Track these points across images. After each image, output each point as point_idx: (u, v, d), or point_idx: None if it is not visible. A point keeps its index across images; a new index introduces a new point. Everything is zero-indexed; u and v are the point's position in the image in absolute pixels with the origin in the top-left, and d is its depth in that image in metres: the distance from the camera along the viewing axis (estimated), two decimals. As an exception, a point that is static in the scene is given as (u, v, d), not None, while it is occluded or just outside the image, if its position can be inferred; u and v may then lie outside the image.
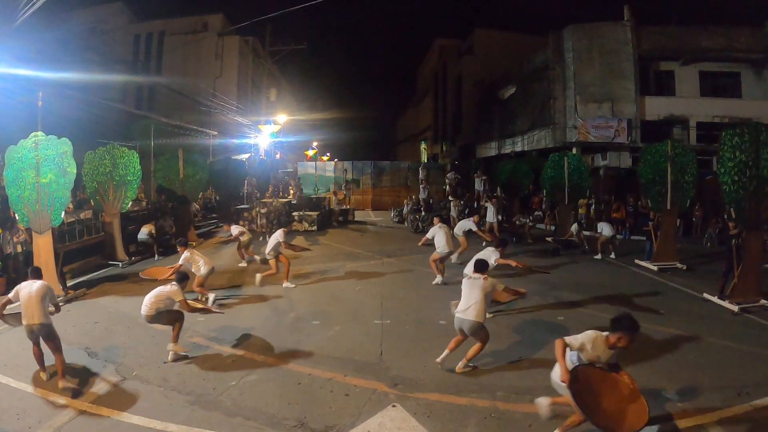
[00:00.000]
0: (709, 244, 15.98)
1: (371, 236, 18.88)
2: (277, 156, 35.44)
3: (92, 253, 12.56)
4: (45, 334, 5.73)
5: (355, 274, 11.74)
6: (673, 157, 12.49)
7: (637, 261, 13.01)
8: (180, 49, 32.93)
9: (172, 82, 30.51)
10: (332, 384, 5.79)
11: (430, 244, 11.21)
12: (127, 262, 12.50)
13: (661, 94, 24.19)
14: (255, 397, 5.44)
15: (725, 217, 13.38)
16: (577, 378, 4.21)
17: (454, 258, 12.27)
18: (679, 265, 12.27)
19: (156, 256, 13.36)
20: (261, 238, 17.14)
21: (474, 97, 36.78)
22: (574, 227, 15.06)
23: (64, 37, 22.76)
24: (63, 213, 9.51)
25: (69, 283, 10.15)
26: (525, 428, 4.83)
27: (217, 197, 23.38)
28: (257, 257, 12.70)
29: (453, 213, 18.37)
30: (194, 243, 15.83)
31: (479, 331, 5.93)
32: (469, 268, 7.22)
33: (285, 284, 10.40)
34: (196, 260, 9.16)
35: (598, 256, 13.74)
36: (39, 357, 5.80)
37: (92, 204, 12.58)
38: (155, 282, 8.36)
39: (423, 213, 20.27)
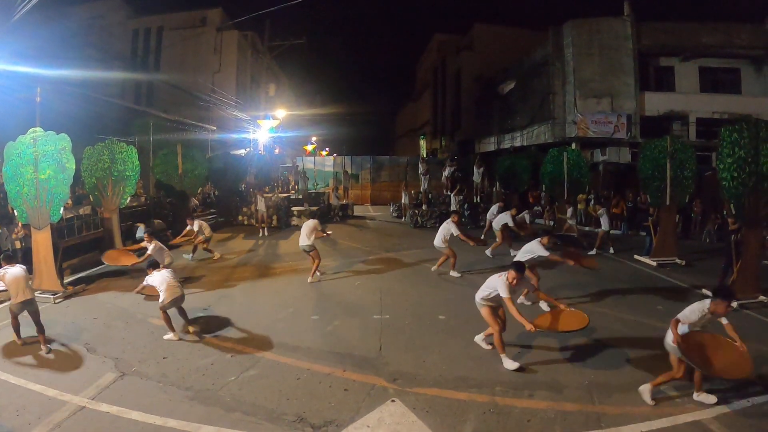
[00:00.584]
0: (708, 240, 15.99)
1: (370, 231, 18.88)
2: (276, 151, 35.40)
3: (91, 249, 12.54)
4: (33, 309, 6.72)
5: (353, 269, 11.74)
6: (672, 152, 12.48)
7: (636, 256, 13.01)
8: (178, 44, 32.83)
9: (171, 78, 30.44)
10: (331, 379, 5.80)
11: (431, 240, 11.29)
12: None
13: (661, 90, 24.20)
14: (254, 393, 5.45)
15: (724, 213, 13.40)
16: (687, 341, 5.23)
17: (488, 252, 12.85)
18: (678, 261, 12.28)
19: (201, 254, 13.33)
20: (260, 233, 17.16)
21: (473, 92, 36.73)
22: (571, 221, 15.05)
23: (62, 33, 22.69)
24: (62, 209, 9.48)
25: (68, 279, 10.15)
26: (524, 423, 4.84)
27: (216, 192, 23.36)
28: (216, 255, 12.95)
29: (453, 208, 18.34)
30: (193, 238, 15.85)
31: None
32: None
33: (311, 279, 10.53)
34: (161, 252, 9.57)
35: (593, 252, 13.67)
36: (17, 327, 6.78)
37: (91, 200, 12.56)
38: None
39: (423, 207, 20.26)
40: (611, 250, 13.81)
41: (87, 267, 11.63)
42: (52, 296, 8.99)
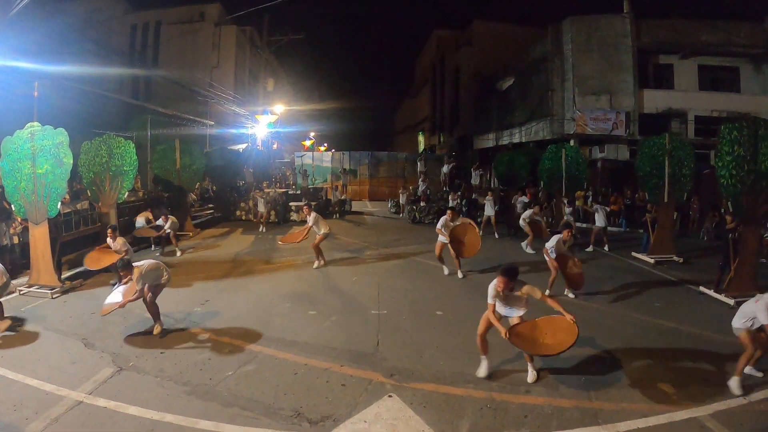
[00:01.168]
0: (705, 238, 16.02)
1: (368, 227, 18.89)
2: (274, 146, 35.35)
3: (89, 244, 12.52)
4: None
5: (351, 265, 11.75)
6: (670, 150, 12.50)
7: (633, 254, 13.03)
8: (177, 39, 32.69)
9: (169, 73, 30.33)
10: (328, 374, 5.80)
11: (429, 236, 11.30)
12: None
13: (660, 88, 24.21)
14: (251, 387, 5.46)
15: (722, 211, 13.41)
16: (513, 331, 5.46)
17: (526, 247, 13.19)
18: (675, 258, 12.30)
19: (153, 246, 13.31)
20: (260, 228, 17.15)
21: (472, 89, 36.69)
22: (569, 218, 15.07)
23: (60, 27, 22.58)
24: (59, 204, 9.47)
25: (66, 274, 10.13)
26: (520, 419, 4.85)
27: (214, 187, 23.34)
28: (179, 252, 13.08)
29: (451, 204, 18.35)
30: (191, 233, 15.86)
31: None
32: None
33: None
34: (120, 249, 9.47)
35: (590, 249, 13.71)
36: None
37: (89, 194, 12.52)
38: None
39: (421, 204, 20.29)
40: (606, 248, 13.81)
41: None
42: (49, 291, 8.99)
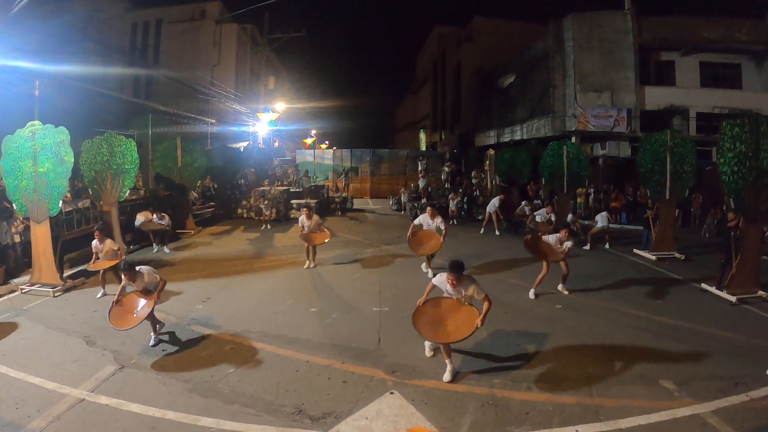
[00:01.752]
0: (707, 235, 16.00)
1: (370, 224, 18.89)
2: (276, 144, 35.35)
3: (90, 243, 12.51)
4: None
5: (353, 262, 11.76)
6: (672, 147, 12.47)
7: (635, 250, 13.03)
8: (177, 37, 32.68)
9: (170, 71, 30.30)
10: (330, 371, 5.81)
11: None
12: (125, 251, 12.47)
13: (662, 84, 24.15)
14: (253, 384, 5.46)
15: (724, 207, 13.39)
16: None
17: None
18: (677, 255, 12.29)
19: (155, 245, 13.30)
20: (264, 227, 17.15)
21: (473, 86, 36.64)
22: (570, 217, 15.06)
23: (60, 26, 22.53)
24: (60, 202, 9.47)
25: (67, 273, 10.15)
26: (522, 416, 4.85)
27: (215, 185, 23.35)
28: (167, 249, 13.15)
29: (452, 206, 18.36)
30: (192, 231, 15.87)
31: None
32: None
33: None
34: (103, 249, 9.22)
35: (587, 247, 13.67)
36: None
37: (90, 193, 12.53)
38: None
39: (422, 201, 20.31)
40: (606, 245, 13.82)
41: (86, 260, 11.58)
42: (51, 289, 9.00)
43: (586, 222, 16.18)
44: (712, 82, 23.90)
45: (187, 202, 17.15)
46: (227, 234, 16.17)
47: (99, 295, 8.78)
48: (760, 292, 8.81)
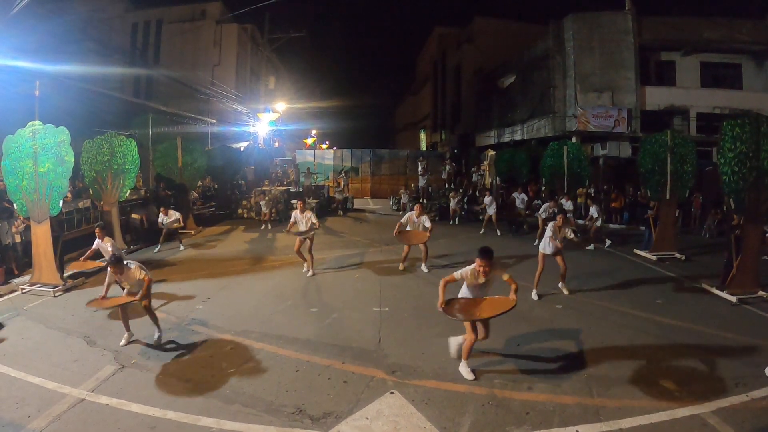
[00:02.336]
0: (707, 235, 15.99)
1: (370, 224, 18.89)
2: (276, 144, 35.34)
3: (91, 242, 12.51)
4: None
5: (353, 262, 11.75)
6: (672, 147, 12.47)
7: (635, 251, 13.02)
8: (178, 37, 32.65)
9: (171, 71, 30.31)
10: (330, 371, 5.81)
11: None
12: (126, 251, 12.48)
13: (662, 85, 24.18)
14: (253, 384, 5.46)
15: (724, 208, 13.39)
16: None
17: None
18: (677, 255, 12.28)
19: (159, 246, 13.28)
20: (263, 227, 17.14)
21: (473, 86, 36.66)
22: (569, 215, 15.07)
23: (61, 26, 22.54)
24: (61, 202, 9.48)
25: (67, 273, 10.14)
26: (522, 416, 4.85)
27: (215, 185, 23.36)
28: (182, 247, 13.42)
29: (452, 205, 18.37)
30: (193, 231, 15.88)
31: None
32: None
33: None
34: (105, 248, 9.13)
35: (591, 247, 13.67)
36: None
37: (90, 193, 12.55)
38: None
39: (423, 201, 20.30)
40: (607, 244, 13.86)
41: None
42: (51, 289, 9.01)
43: (586, 223, 16.13)
44: (712, 83, 23.92)
45: (188, 202, 17.16)
46: (227, 234, 16.18)
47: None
48: (761, 293, 8.80)
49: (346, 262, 11.79)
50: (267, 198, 18.24)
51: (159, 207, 13.79)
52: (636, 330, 7.23)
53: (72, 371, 5.75)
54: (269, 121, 31.55)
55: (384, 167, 31.58)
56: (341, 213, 21.61)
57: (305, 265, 10.70)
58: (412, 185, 24.38)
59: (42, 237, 9.31)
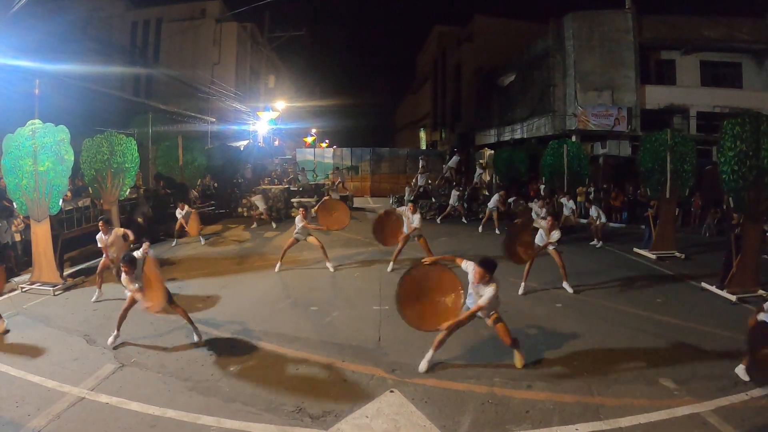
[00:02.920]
0: (707, 234, 16.00)
1: (370, 223, 18.78)
2: (276, 143, 35.34)
3: (91, 241, 12.51)
4: None
5: (353, 260, 11.76)
6: (672, 146, 12.47)
7: (635, 249, 13.02)
8: (178, 36, 32.61)
9: (170, 70, 30.29)
10: (330, 369, 5.81)
11: (429, 232, 11.26)
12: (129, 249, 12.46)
13: (662, 83, 24.15)
14: (253, 383, 5.46)
15: (724, 207, 13.40)
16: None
17: None
18: (677, 254, 12.28)
19: (175, 240, 13.46)
20: (254, 225, 17.09)
21: (473, 85, 36.62)
22: (568, 213, 15.11)
23: (60, 25, 22.55)
24: (61, 201, 9.47)
25: (68, 271, 10.16)
26: (522, 414, 4.85)
27: (215, 184, 23.35)
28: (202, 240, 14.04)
29: (452, 201, 18.36)
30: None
31: None
32: None
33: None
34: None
35: (599, 244, 13.81)
36: None
37: (90, 192, 12.53)
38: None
39: (431, 200, 20.35)
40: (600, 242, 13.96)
41: (86, 259, 11.63)
42: (51, 288, 9.00)
43: (586, 221, 16.15)
44: (712, 81, 23.90)
45: (188, 201, 17.13)
46: (227, 232, 16.16)
47: (93, 298, 8.59)
48: (761, 291, 8.80)
49: (345, 260, 11.78)
50: (260, 195, 18.19)
51: (154, 206, 13.89)
52: (636, 329, 7.23)
53: (72, 370, 5.75)
54: (269, 120, 31.57)
55: (384, 166, 31.55)
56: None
57: (278, 264, 10.81)
58: (411, 183, 24.35)
59: (42, 236, 9.31)
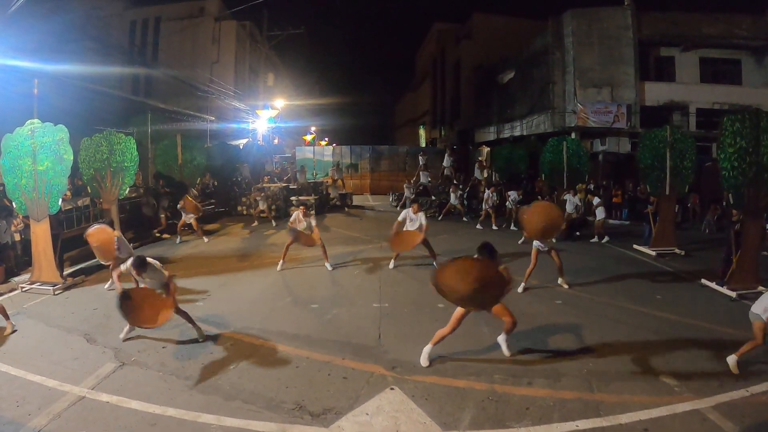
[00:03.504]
0: (707, 231, 16.00)
1: (369, 220, 18.86)
2: (275, 141, 35.32)
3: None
4: None
5: (353, 258, 11.75)
6: (672, 142, 12.46)
7: (635, 246, 13.02)
8: (176, 34, 32.60)
9: (169, 68, 30.26)
10: (330, 367, 5.82)
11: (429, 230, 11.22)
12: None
13: (661, 80, 24.14)
14: (253, 381, 5.47)
15: (723, 203, 13.39)
16: None
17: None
18: (677, 251, 12.29)
19: (179, 237, 13.54)
20: (254, 223, 17.10)
21: (472, 82, 36.61)
22: (570, 210, 15.11)
23: (59, 25, 22.47)
24: (60, 200, 9.46)
25: (67, 271, 10.16)
26: (522, 411, 4.86)
27: (215, 183, 23.34)
28: (205, 239, 14.07)
29: (452, 200, 18.35)
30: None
31: None
32: None
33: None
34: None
35: (596, 240, 13.84)
36: None
37: (89, 191, 12.52)
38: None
39: (432, 198, 20.37)
40: (602, 239, 13.96)
41: (86, 258, 11.61)
42: (51, 288, 8.99)
43: (588, 218, 16.16)
44: (711, 78, 23.90)
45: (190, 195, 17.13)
46: (227, 231, 16.16)
47: (106, 286, 9.02)
48: (760, 288, 8.79)
49: (345, 258, 11.78)
50: (263, 194, 18.20)
51: (153, 204, 13.94)
52: (635, 325, 7.24)
53: (72, 369, 5.75)
54: (268, 118, 31.53)
55: (383, 164, 31.49)
56: (347, 210, 21.50)
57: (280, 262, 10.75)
58: (411, 181, 24.33)
59: (41, 235, 9.30)
